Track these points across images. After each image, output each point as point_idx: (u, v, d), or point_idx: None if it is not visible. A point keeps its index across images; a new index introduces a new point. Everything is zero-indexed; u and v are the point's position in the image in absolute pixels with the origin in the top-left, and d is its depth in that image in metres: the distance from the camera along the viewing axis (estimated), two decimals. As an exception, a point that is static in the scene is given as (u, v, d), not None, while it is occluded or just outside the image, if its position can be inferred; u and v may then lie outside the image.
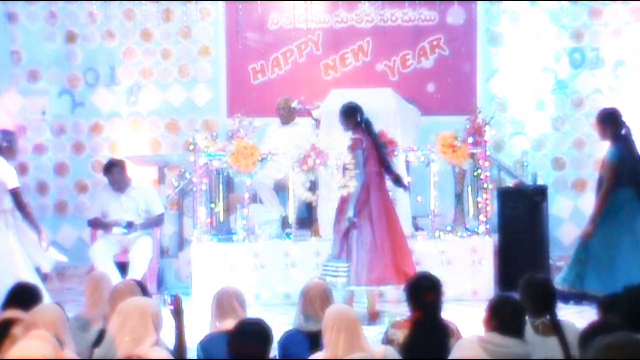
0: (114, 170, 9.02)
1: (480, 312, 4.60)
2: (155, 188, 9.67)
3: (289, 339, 5.06)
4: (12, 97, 10.96)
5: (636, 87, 10.61)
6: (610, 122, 8.11)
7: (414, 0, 10.66)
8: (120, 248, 8.88)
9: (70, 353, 4.73)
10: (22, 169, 10.88)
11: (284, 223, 9.16)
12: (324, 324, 4.56)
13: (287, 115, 9.67)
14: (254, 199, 9.32)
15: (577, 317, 6.50)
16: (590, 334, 4.15)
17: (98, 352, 4.65)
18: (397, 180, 8.08)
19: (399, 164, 8.94)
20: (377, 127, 8.73)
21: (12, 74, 10.95)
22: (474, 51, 10.77)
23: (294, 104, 9.67)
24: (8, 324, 5.07)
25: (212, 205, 9.10)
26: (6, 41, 10.92)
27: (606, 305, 5.29)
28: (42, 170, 11.06)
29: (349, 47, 10.84)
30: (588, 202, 10.67)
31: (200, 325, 5.81)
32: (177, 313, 5.57)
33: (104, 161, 9.75)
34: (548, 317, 5.01)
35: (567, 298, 8.12)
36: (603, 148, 10.53)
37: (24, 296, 5.43)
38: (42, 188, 11.03)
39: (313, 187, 8.80)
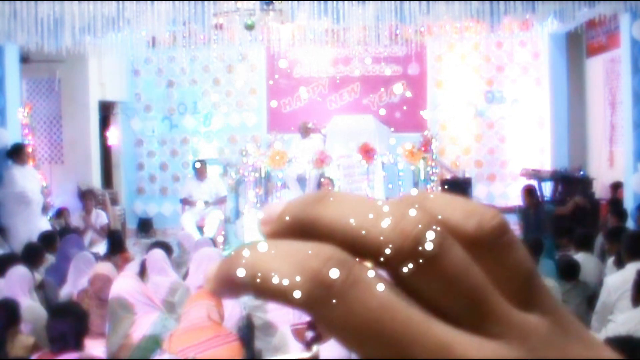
0: (199, 166, 9.13)
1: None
2: (221, 179, 9.66)
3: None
4: (135, 121, 11.01)
5: (524, 115, 10.57)
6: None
7: (387, 57, 10.63)
8: (200, 217, 8.91)
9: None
10: (139, 167, 10.99)
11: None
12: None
13: (305, 132, 9.66)
14: (283, 185, 9.29)
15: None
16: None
17: (186, 282, 4.73)
18: None
19: (377, 165, 9.01)
20: (362, 141, 8.79)
21: (135, 107, 10.98)
22: (425, 91, 10.72)
23: (310, 125, 9.66)
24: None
25: (257, 189, 9.08)
26: (132, 87, 10.97)
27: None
28: (152, 167, 11.08)
29: (345, 88, 10.77)
30: (497, 189, 10.77)
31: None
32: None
33: (191, 162, 9.82)
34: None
35: None
36: (508, 154, 10.62)
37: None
38: (151, 179, 11.08)
39: (322, 177, 8.82)
